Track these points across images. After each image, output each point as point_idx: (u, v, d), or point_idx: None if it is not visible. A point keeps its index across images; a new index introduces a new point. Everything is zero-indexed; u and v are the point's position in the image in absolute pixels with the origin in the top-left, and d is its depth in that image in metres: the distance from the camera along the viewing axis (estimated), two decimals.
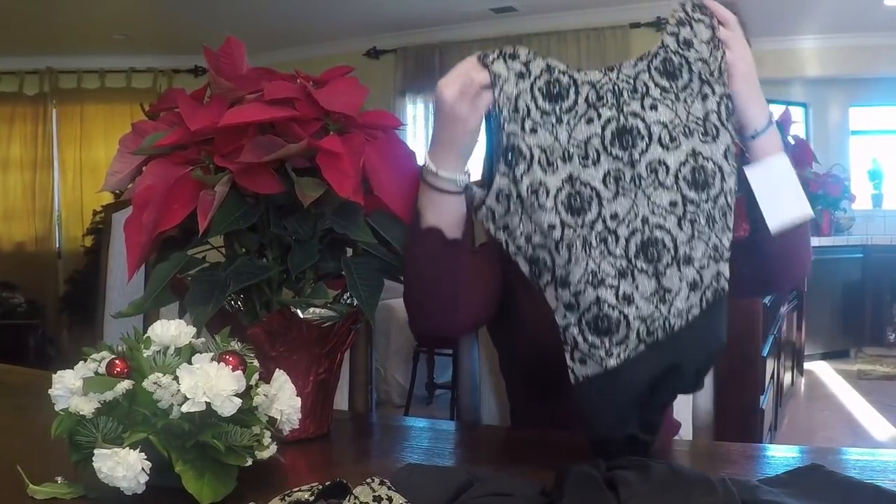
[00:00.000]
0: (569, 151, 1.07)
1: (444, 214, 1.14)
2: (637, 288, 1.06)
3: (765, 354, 3.05)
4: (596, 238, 1.07)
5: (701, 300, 1.08)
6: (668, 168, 1.07)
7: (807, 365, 6.32)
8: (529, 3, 6.42)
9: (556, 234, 1.06)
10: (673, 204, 1.07)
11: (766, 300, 3.02)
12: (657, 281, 1.07)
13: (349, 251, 1.23)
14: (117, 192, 1.50)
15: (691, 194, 1.07)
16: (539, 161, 1.07)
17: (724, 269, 1.08)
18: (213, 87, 1.18)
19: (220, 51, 1.21)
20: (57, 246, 7.84)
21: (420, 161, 1.16)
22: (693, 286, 1.07)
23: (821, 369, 6.44)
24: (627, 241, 1.07)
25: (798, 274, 1.24)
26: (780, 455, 1.15)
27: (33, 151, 7.78)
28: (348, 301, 1.21)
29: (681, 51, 1.09)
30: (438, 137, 1.12)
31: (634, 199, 1.07)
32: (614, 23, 6.26)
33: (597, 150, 1.07)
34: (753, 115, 1.12)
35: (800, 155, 2.89)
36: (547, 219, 1.06)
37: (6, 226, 7.76)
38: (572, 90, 1.09)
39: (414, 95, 7.24)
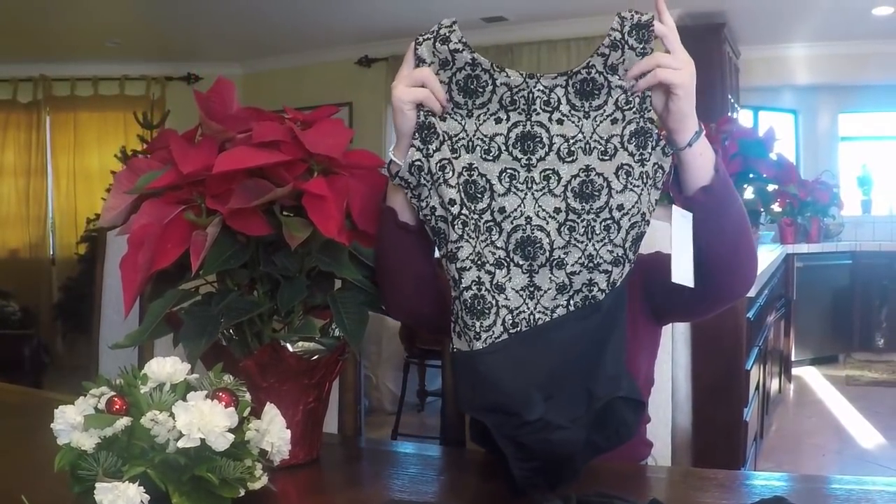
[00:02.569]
0: (472, 143, 1.16)
1: (397, 197, 1.23)
2: (510, 280, 1.15)
3: (748, 367, 3.10)
4: (483, 226, 1.15)
5: (568, 302, 1.15)
6: (559, 178, 1.15)
7: (795, 370, 6.38)
8: (520, 13, 6.47)
9: (455, 210, 1.13)
10: (557, 210, 1.15)
11: (750, 314, 3.07)
12: (529, 277, 1.15)
13: (337, 282, 1.28)
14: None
15: (575, 204, 1.14)
16: (447, 144, 1.16)
17: (599, 279, 1.14)
18: (203, 129, 1.23)
19: (211, 92, 1.26)
20: (51, 253, 7.86)
21: None
22: (561, 288, 1.15)
23: (810, 375, 6.49)
24: (509, 235, 1.15)
25: (740, 290, 1.29)
26: (758, 483, 1.18)
27: (27, 158, 7.81)
28: (335, 333, 1.26)
29: (605, 73, 1.14)
30: (395, 126, 1.20)
31: (523, 199, 1.15)
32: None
33: (499, 148, 1.16)
34: (689, 127, 1.15)
35: (783, 174, 2.94)
36: (449, 194, 1.13)
37: (0, 233, 7.79)
38: (489, 88, 1.15)
39: None
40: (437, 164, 1.14)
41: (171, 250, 1.13)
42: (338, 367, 1.31)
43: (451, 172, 1.14)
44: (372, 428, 4.95)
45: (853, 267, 6.98)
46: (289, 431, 1.09)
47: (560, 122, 1.15)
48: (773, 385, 4.98)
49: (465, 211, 1.14)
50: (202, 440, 0.96)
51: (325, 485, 1.26)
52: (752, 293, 2.90)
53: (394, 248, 1.25)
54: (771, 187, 3.10)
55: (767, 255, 4.38)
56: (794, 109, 7.96)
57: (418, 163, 1.15)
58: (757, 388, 3.70)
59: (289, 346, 1.22)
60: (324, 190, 1.12)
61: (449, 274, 1.15)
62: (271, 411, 1.08)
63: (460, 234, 1.13)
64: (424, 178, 1.15)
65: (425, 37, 1.16)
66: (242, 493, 1.00)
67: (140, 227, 1.17)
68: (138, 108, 7.40)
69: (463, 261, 1.13)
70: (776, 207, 5.72)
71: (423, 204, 1.16)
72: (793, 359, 6.28)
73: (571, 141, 1.14)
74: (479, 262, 1.13)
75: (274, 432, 1.06)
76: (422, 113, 1.16)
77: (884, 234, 7.53)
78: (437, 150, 1.15)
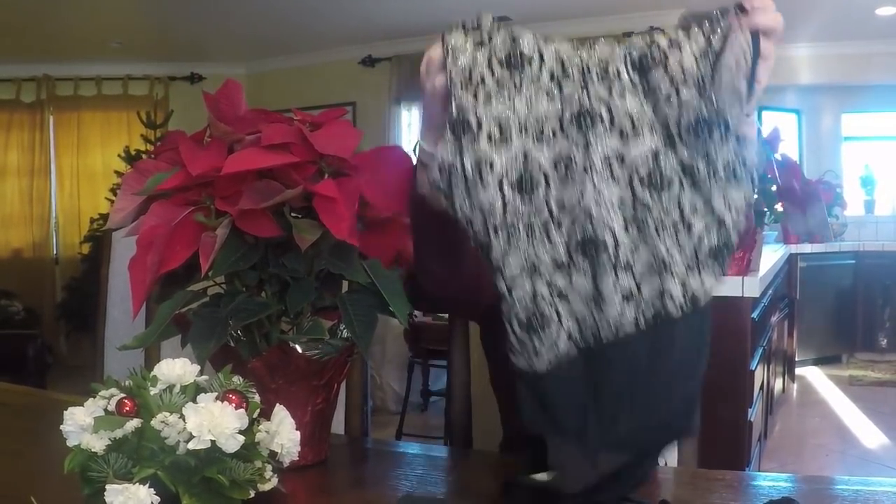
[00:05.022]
0: (525, 125, 0.98)
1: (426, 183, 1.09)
2: (572, 285, 0.97)
3: (753, 368, 3.10)
4: (541, 225, 0.98)
5: (636, 319, 0.95)
6: (622, 161, 0.97)
7: (799, 370, 6.38)
8: (524, 13, 6.45)
9: (497, 216, 0.97)
10: (622, 202, 0.97)
11: (755, 314, 3.07)
12: (594, 283, 0.96)
13: (345, 284, 1.28)
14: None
15: (642, 194, 0.96)
16: (489, 134, 0.98)
17: (672, 287, 0.95)
18: (212, 130, 1.23)
19: (219, 93, 1.26)
20: (54, 253, 7.88)
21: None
22: (627, 298, 0.95)
23: (813, 375, 6.50)
24: (570, 233, 0.98)
25: None
26: (766, 484, 1.19)
27: (30, 158, 7.82)
28: (343, 335, 1.26)
29: (667, 51, 0.98)
30: (423, 112, 1.13)
31: (582, 191, 0.96)
32: (608, 32, 6.28)
33: (553, 130, 0.98)
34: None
35: (786, 174, 2.94)
36: (487, 198, 0.97)
37: (4, 233, 7.80)
38: (536, 61, 1.00)
39: (409, 103, 7.28)
40: (472, 164, 0.97)
41: (181, 252, 1.13)
42: (346, 368, 1.31)
43: (489, 172, 0.97)
44: (376, 427, 4.96)
45: (856, 267, 6.99)
46: (298, 433, 1.09)
47: (622, 95, 0.97)
48: (777, 385, 4.98)
49: (510, 216, 0.97)
50: (212, 442, 0.96)
51: (334, 485, 1.27)
52: (756, 293, 2.89)
53: (437, 236, 1.18)
54: (774, 187, 3.09)
55: (771, 256, 4.38)
56: (797, 109, 7.96)
57: (449, 161, 0.98)
58: (761, 388, 3.70)
59: (297, 347, 1.22)
60: (333, 192, 1.12)
61: (497, 289, 0.98)
62: (280, 413, 1.08)
63: (506, 245, 0.97)
64: (455, 179, 0.98)
65: (453, 27, 1.02)
66: (252, 494, 1.00)
67: (149, 229, 1.17)
68: (142, 108, 7.42)
69: (512, 275, 0.97)
70: (779, 207, 5.73)
71: (460, 213, 0.99)
72: (796, 359, 6.28)
73: (636, 117, 0.96)
74: (533, 271, 0.97)
75: (284, 434, 1.06)
76: (454, 107, 0.99)
77: (887, 234, 7.53)
78: (471, 146, 0.97)
